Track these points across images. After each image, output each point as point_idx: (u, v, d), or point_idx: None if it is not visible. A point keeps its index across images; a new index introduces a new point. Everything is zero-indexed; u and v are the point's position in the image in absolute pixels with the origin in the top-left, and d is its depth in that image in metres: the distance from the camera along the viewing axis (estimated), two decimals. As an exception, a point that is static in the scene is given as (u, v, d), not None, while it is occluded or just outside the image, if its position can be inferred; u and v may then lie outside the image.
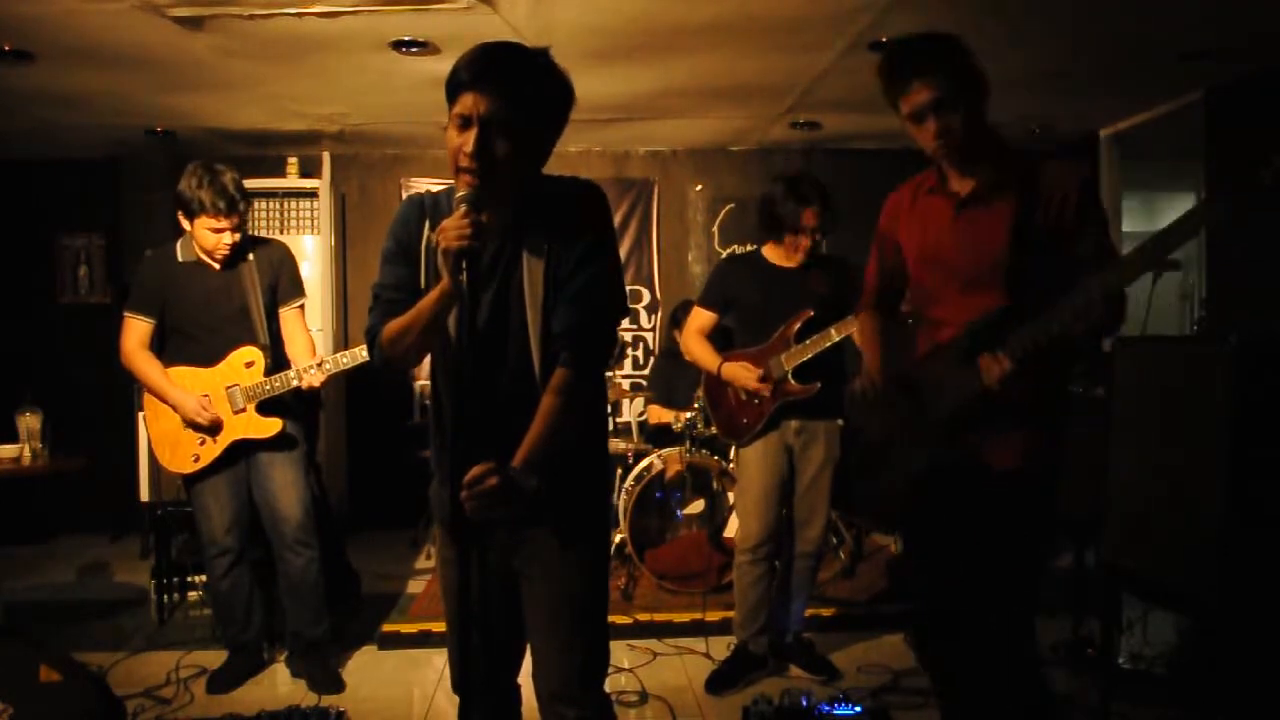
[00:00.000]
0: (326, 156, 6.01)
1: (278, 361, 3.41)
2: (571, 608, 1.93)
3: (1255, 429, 2.51)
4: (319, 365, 3.32)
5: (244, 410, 3.34)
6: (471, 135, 1.71)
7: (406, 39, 3.99)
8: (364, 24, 3.79)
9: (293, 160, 5.89)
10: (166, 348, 3.40)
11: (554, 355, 1.82)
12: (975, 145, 2.15)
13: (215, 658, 3.63)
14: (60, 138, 5.60)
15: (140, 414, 4.82)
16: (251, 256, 3.41)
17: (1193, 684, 3.21)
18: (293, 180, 5.85)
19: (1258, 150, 4.53)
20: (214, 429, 3.31)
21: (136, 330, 3.37)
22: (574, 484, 1.90)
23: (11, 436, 3.89)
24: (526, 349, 1.82)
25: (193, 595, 4.47)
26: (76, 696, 2.78)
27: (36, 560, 5.46)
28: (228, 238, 3.27)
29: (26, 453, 3.86)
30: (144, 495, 4.80)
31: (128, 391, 5.20)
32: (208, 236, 3.27)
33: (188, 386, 3.32)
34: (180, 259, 3.38)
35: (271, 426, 3.35)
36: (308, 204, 5.88)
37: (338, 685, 3.49)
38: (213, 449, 3.34)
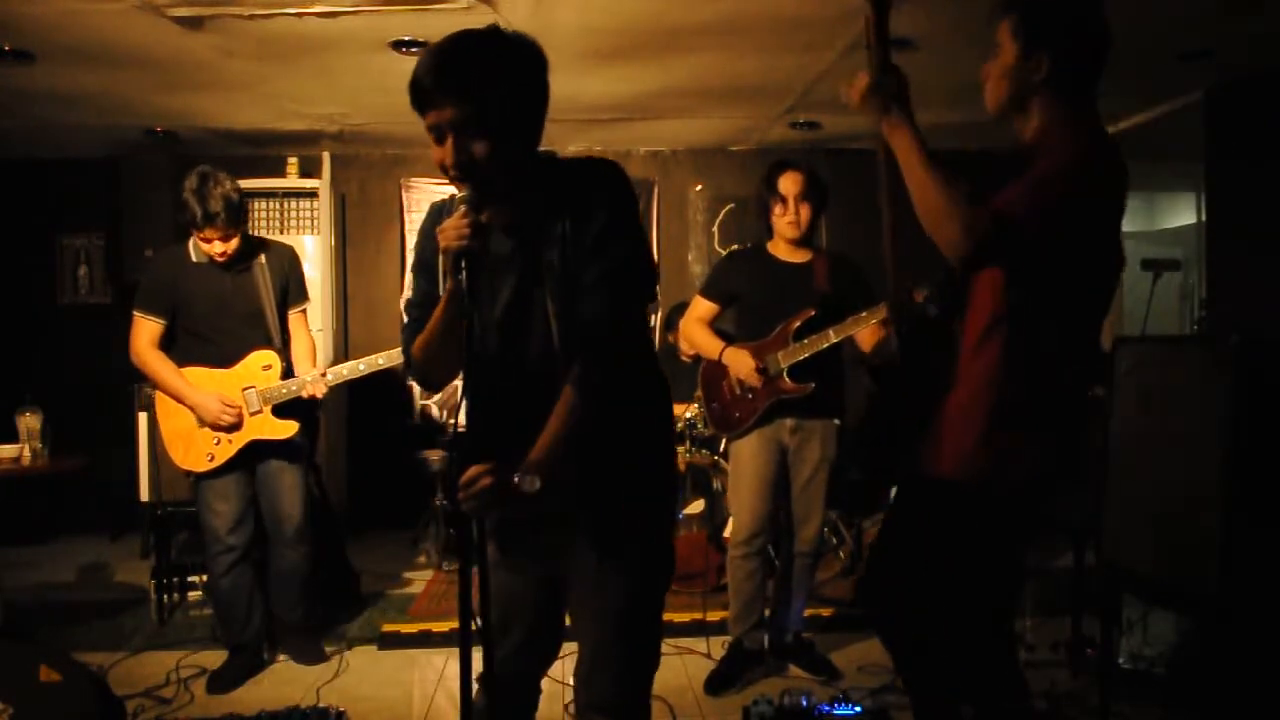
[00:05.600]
0: (326, 156, 6.01)
1: (289, 366, 3.48)
2: (617, 620, 1.86)
3: (1255, 429, 2.52)
4: (322, 376, 3.40)
5: (260, 412, 3.38)
6: (448, 146, 1.67)
7: (406, 39, 3.99)
8: (364, 24, 3.79)
9: (293, 160, 5.89)
10: (177, 348, 3.41)
11: (576, 348, 1.74)
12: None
13: (215, 658, 3.63)
14: (60, 138, 5.60)
15: (140, 414, 4.86)
16: (263, 258, 3.44)
17: (1193, 684, 3.21)
18: (293, 180, 5.85)
19: (1258, 150, 4.51)
20: (235, 428, 3.35)
21: (146, 330, 3.37)
22: (628, 489, 1.83)
23: (11, 436, 3.90)
24: (549, 342, 1.76)
25: (193, 595, 4.46)
26: (76, 696, 2.78)
27: (36, 560, 5.45)
28: (219, 246, 3.30)
29: (26, 453, 3.86)
30: (144, 495, 4.80)
31: (128, 391, 5.20)
32: (202, 244, 3.32)
33: (204, 387, 3.34)
34: (193, 259, 3.40)
35: (288, 428, 3.41)
36: (308, 204, 5.88)
37: (321, 656, 3.67)
38: (228, 448, 3.37)
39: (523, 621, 1.93)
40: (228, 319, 3.38)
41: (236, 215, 3.27)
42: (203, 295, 3.37)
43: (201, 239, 3.29)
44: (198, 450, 3.38)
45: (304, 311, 3.58)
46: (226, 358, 3.38)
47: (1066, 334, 1.99)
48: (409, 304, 1.91)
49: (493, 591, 1.80)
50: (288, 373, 3.44)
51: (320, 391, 3.40)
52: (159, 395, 3.43)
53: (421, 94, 1.67)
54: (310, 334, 3.58)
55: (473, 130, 1.65)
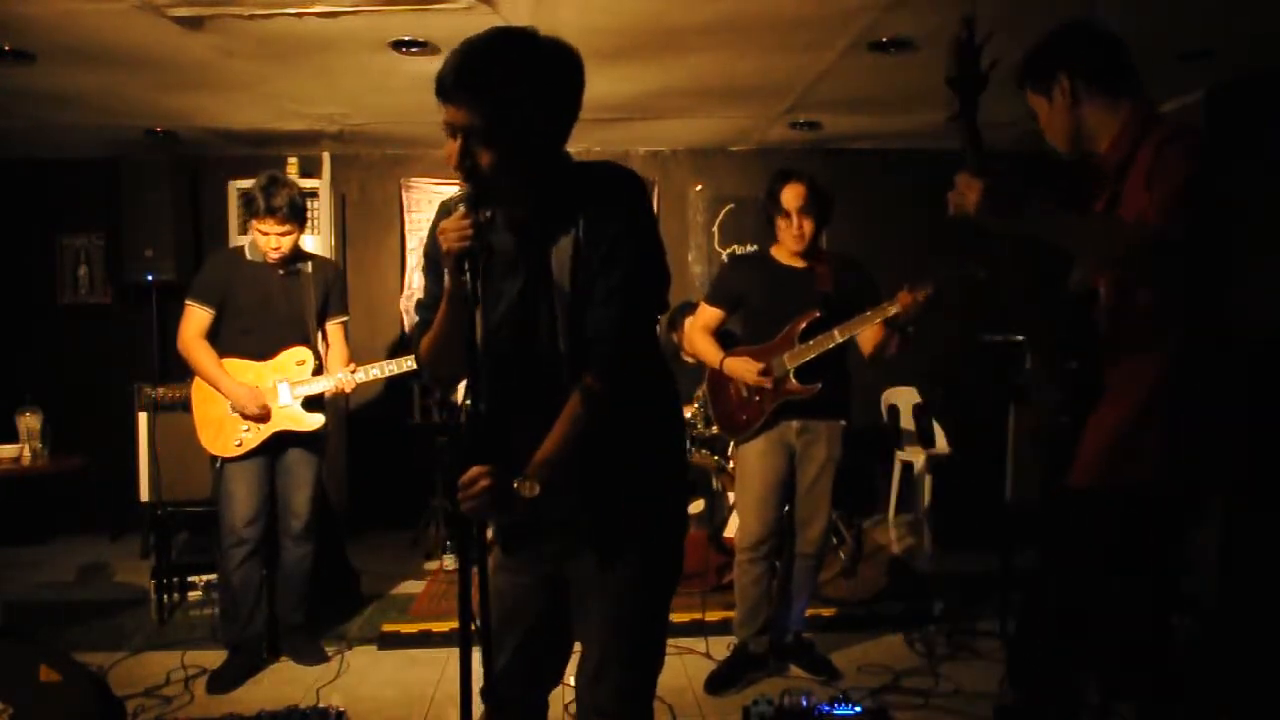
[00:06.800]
0: (326, 156, 6.01)
1: (321, 365, 3.65)
2: (621, 625, 1.87)
3: (1255, 429, 2.52)
4: (352, 373, 3.59)
5: (289, 405, 3.54)
6: (455, 147, 1.67)
7: (406, 39, 3.99)
8: (364, 24, 3.79)
9: (293, 160, 5.88)
10: (221, 339, 3.57)
11: (582, 354, 1.74)
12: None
13: (215, 658, 3.63)
14: (60, 138, 5.60)
15: (140, 414, 4.86)
16: (309, 267, 3.65)
17: (1193, 684, 3.20)
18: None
19: (1258, 150, 4.51)
20: (262, 418, 3.49)
21: (196, 319, 3.54)
22: (631, 492, 1.83)
23: (11, 436, 3.90)
24: (554, 343, 1.76)
25: (193, 595, 4.47)
26: (76, 696, 2.78)
27: (36, 560, 5.46)
28: (274, 241, 3.47)
29: (26, 453, 3.87)
30: (144, 495, 4.80)
31: (128, 391, 5.21)
32: (259, 237, 3.48)
33: (240, 375, 3.51)
34: (248, 257, 3.59)
35: (314, 422, 3.60)
36: (308, 204, 5.86)
37: (321, 656, 3.74)
38: (257, 435, 3.52)
39: (523, 624, 1.92)
40: (270, 316, 3.56)
41: (296, 214, 3.48)
42: (251, 291, 3.56)
43: (260, 230, 3.46)
44: (226, 436, 3.52)
45: (343, 323, 3.77)
46: (264, 352, 3.56)
47: (1218, 325, 2.03)
48: (419, 305, 1.92)
49: (494, 594, 1.80)
50: (319, 371, 3.62)
51: (349, 388, 3.61)
52: (196, 382, 3.58)
53: (442, 90, 1.67)
54: (347, 345, 3.75)
55: (482, 140, 1.65)
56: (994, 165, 1.89)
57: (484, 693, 1.78)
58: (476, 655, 1.73)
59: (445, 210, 1.87)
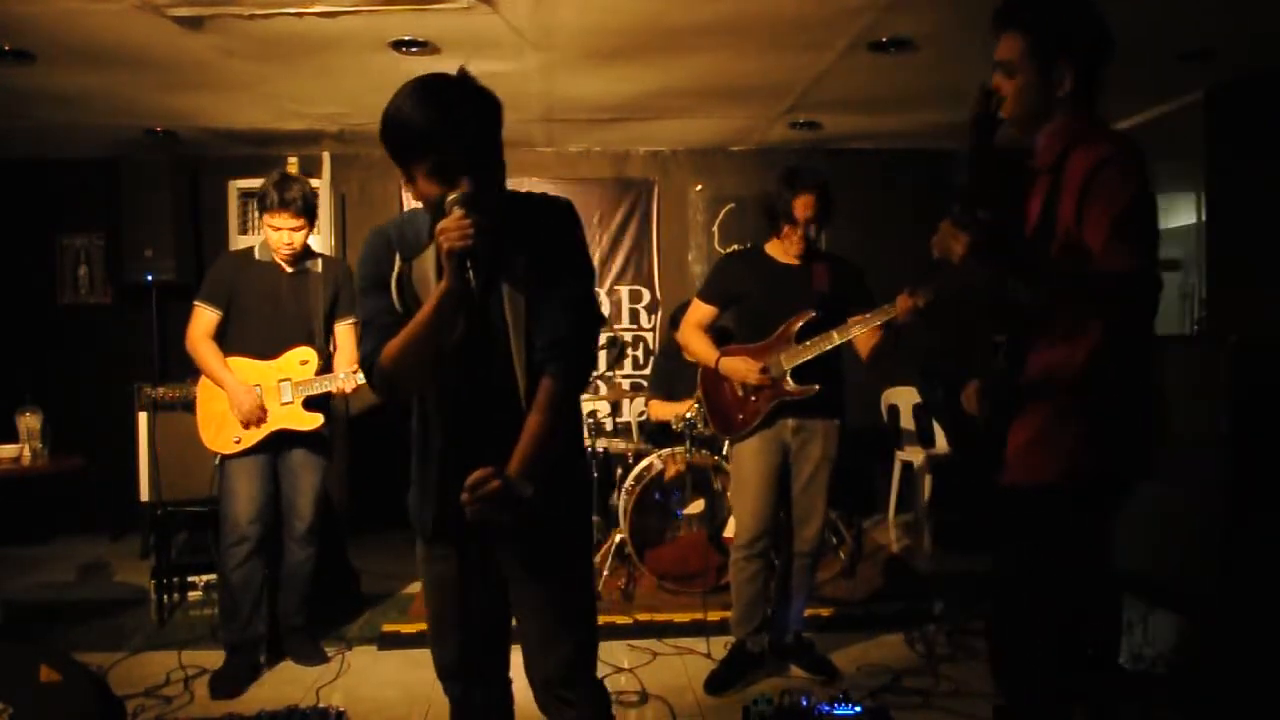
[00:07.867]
0: (326, 156, 6.00)
1: (327, 365, 3.66)
2: (559, 609, 2.01)
3: (1255, 429, 2.52)
4: (354, 374, 3.57)
5: (291, 403, 3.55)
6: (464, 184, 1.75)
7: (406, 39, 4.00)
8: (364, 24, 3.79)
9: (293, 160, 5.87)
10: (228, 337, 3.59)
11: (538, 368, 1.88)
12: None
13: (215, 658, 3.63)
14: (60, 138, 5.60)
15: (141, 414, 4.86)
16: (319, 266, 3.66)
17: (1193, 684, 3.21)
18: (293, 180, 5.85)
19: (1258, 150, 4.51)
20: (251, 422, 3.50)
21: (204, 319, 3.56)
22: (556, 489, 1.95)
23: (11, 436, 3.91)
24: (509, 364, 1.87)
25: (193, 595, 4.47)
26: (76, 696, 2.78)
27: (36, 560, 5.46)
28: (286, 236, 3.50)
29: (26, 453, 3.88)
30: (144, 495, 4.80)
31: (128, 391, 5.20)
32: (271, 233, 3.50)
33: (244, 374, 3.53)
34: (257, 257, 3.63)
35: (313, 420, 3.60)
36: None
37: (321, 656, 3.75)
38: (255, 433, 3.54)
39: (465, 608, 2.00)
40: (278, 315, 3.58)
41: (307, 209, 3.52)
42: (259, 290, 3.58)
43: (272, 225, 3.49)
44: (227, 433, 3.54)
45: (354, 324, 3.71)
46: (269, 351, 3.57)
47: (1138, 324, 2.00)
48: (370, 314, 1.95)
49: (434, 583, 2.06)
50: (324, 371, 3.62)
51: (349, 388, 3.59)
52: (202, 380, 3.61)
53: (426, 137, 1.74)
54: (355, 346, 3.70)
55: (475, 169, 1.76)
56: (981, 220, 1.91)
57: (444, 673, 1.97)
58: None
59: (385, 234, 1.95)
